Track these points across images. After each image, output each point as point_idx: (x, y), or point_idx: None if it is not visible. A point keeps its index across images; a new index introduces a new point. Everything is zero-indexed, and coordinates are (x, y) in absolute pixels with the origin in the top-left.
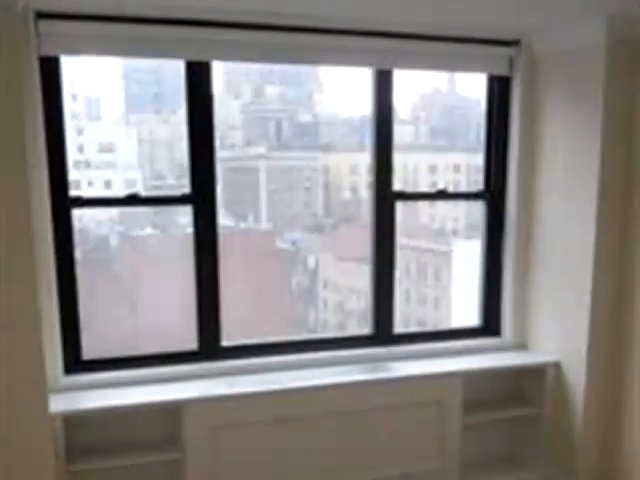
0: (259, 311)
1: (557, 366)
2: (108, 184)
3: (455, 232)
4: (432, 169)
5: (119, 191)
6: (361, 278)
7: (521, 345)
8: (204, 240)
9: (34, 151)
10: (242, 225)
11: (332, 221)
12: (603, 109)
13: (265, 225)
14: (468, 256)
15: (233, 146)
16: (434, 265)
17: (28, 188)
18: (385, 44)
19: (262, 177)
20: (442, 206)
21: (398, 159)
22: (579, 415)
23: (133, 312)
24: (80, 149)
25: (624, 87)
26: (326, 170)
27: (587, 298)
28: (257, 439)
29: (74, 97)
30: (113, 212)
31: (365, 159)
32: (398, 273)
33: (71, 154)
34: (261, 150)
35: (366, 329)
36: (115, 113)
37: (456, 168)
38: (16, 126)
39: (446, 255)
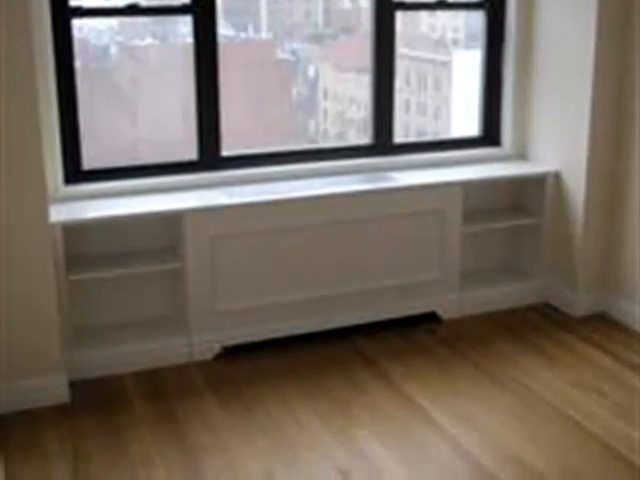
0: (259, 121)
1: (557, 176)
2: None
3: (455, 42)
4: None
5: (119, 1)
6: (361, 88)
7: (521, 155)
8: (204, 50)
9: None
10: (242, 35)
11: (332, 31)
12: None
13: (265, 35)
14: (468, 66)
15: None
16: (434, 75)
17: None
18: None
19: None
20: (442, 16)
21: None
22: (579, 225)
23: (133, 122)
24: None
25: None
26: None
27: (587, 107)
28: (256, 249)
29: None
30: (113, 22)
31: None
32: (398, 83)
33: None
34: None
35: (366, 139)
36: None
37: None
38: None
39: (446, 65)
